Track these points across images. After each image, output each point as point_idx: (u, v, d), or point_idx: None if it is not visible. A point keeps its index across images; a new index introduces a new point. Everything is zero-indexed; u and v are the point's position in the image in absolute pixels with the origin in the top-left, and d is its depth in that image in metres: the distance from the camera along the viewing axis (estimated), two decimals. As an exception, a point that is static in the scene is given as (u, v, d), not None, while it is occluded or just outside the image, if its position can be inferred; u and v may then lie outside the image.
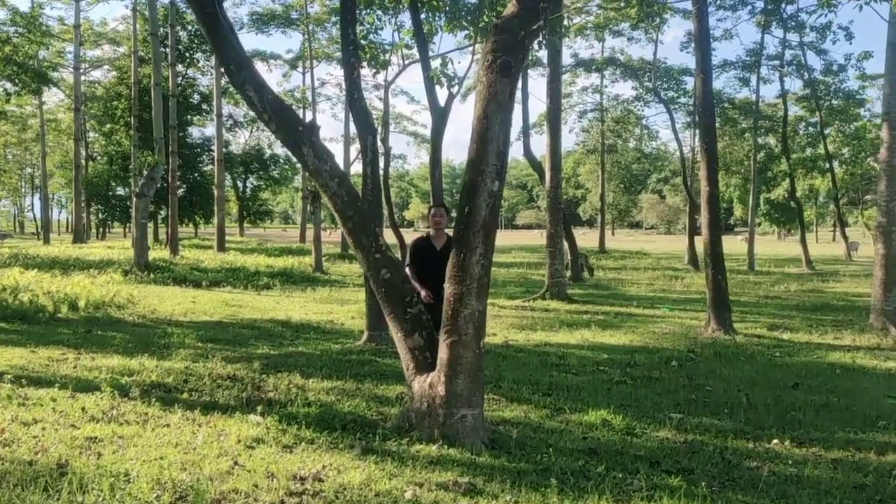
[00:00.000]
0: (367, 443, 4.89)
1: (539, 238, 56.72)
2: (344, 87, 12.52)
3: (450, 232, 6.09)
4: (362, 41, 12.09)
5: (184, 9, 30.19)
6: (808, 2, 28.26)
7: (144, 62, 32.53)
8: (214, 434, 5.03)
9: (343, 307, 13.62)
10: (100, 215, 49.10)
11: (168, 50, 27.93)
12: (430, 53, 12.33)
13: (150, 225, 37.74)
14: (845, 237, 34.56)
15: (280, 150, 47.94)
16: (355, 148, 26.05)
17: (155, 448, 4.69)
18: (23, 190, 77.70)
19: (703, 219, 11.35)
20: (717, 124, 20.86)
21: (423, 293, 5.78)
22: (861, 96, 29.94)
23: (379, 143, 12.55)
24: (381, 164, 20.65)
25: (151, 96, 22.59)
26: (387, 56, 16.34)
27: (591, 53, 34.49)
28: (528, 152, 21.48)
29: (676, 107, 31.54)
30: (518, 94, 4.98)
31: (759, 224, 51.62)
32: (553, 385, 7.07)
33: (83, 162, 39.57)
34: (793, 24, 25.68)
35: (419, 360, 5.25)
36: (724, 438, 5.38)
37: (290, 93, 42.42)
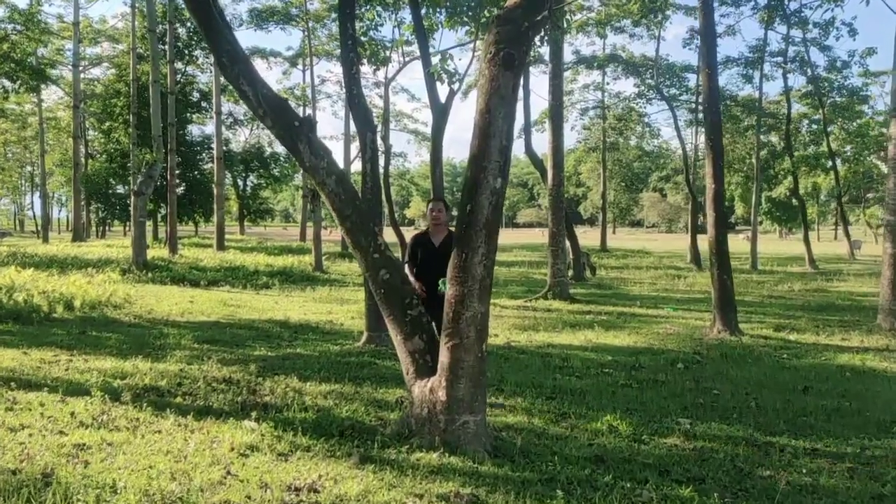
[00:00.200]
0: (366, 450, 4.71)
1: (540, 236, 56.55)
2: (343, 83, 12.36)
3: (451, 228, 5.94)
4: (362, 38, 11.92)
5: (182, 6, 30.00)
6: (811, -2, 28.03)
7: (143, 59, 32.33)
8: (207, 441, 4.85)
9: (342, 307, 13.44)
10: (99, 214, 48.88)
11: (167, 47, 27.74)
12: (431, 50, 12.14)
13: (150, 223, 37.58)
14: (848, 236, 34.33)
15: (281, 148, 47.68)
16: (355, 146, 25.88)
17: (144, 456, 4.51)
18: (23, 188, 77.61)
19: (709, 217, 11.16)
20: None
21: (416, 285, 5.85)
22: (865, 93, 29.71)
23: (379, 140, 12.41)
24: (382, 162, 20.53)
25: (150, 93, 22.41)
26: (387, 53, 16.19)
27: (593, 50, 34.32)
28: (529, 150, 21.28)
29: (679, 104, 31.34)
30: (519, 91, 4.82)
31: (761, 222, 51.39)
32: (557, 388, 6.89)
33: (82, 160, 39.36)
34: (796, 19, 25.49)
35: (419, 363, 5.07)
36: (734, 445, 5.20)
37: (291, 90, 42.22)
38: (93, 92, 43.73)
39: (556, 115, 16.69)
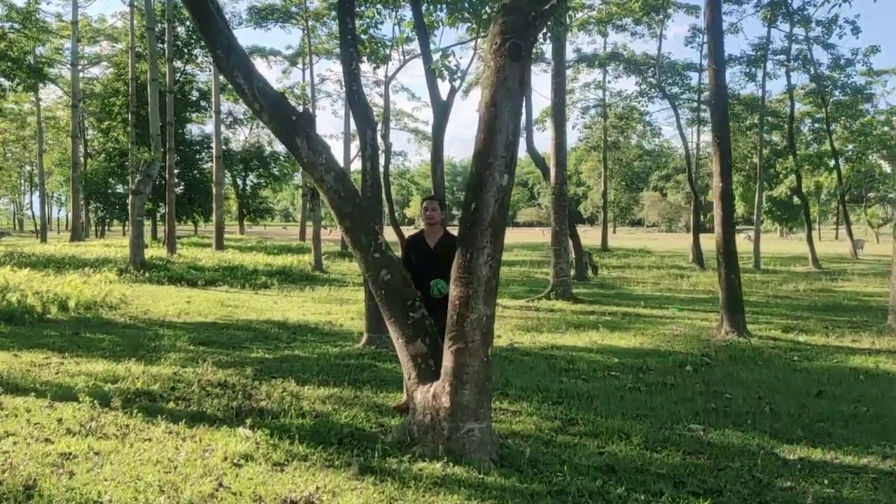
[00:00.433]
0: (366, 460, 4.50)
1: (540, 236, 56.34)
2: (343, 81, 12.15)
3: (450, 229, 5.69)
4: (362, 36, 11.70)
5: (181, 4, 29.76)
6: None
7: (142, 58, 32.07)
8: (199, 450, 4.63)
9: (342, 307, 13.22)
10: (98, 213, 48.64)
11: (165, 45, 27.50)
12: (431, 48, 11.92)
13: (149, 223, 37.37)
14: (851, 235, 34.08)
15: (280, 147, 47.47)
16: (355, 145, 25.68)
17: (132, 466, 4.29)
18: (22, 188, 77.34)
19: (716, 215, 10.93)
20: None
21: None
22: (868, 91, 29.49)
23: (379, 139, 12.18)
24: (382, 160, 20.29)
25: (148, 92, 22.18)
26: (387, 51, 15.95)
27: (594, 49, 33.97)
28: (531, 148, 21.04)
29: (681, 102, 31.10)
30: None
31: (762, 222, 51.16)
32: (563, 392, 6.67)
33: (81, 159, 39.12)
34: (799, 17, 25.26)
35: (422, 368, 4.85)
36: (751, 454, 4.97)
37: (290, 89, 41.96)
38: (91, 91, 43.51)
39: (558, 113, 16.46)
